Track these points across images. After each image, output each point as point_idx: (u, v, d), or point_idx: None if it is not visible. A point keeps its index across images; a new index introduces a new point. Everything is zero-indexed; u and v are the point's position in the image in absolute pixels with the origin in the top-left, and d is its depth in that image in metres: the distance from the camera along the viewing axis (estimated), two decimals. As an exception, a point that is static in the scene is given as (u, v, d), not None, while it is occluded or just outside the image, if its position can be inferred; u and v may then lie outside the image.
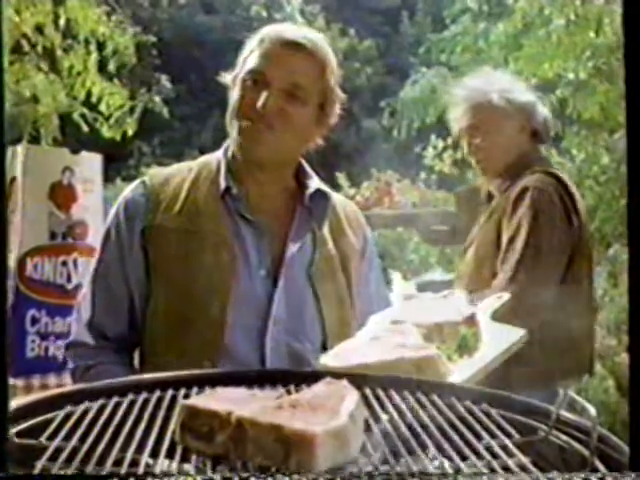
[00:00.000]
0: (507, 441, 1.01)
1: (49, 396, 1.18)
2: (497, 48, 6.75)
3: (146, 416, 1.10)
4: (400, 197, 9.26)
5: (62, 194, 2.89)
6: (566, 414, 1.06)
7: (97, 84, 5.95)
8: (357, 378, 1.22)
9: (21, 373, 2.78)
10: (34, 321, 2.88)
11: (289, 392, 1.21)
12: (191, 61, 18.57)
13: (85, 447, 0.98)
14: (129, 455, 0.97)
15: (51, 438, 1.02)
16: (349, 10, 20.55)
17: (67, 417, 1.09)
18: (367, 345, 1.49)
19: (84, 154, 2.97)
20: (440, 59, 7.57)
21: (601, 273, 5.19)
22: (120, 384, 1.24)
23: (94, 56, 5.92)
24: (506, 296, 1.82)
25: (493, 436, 1.03)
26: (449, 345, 1.53)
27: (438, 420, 1.09)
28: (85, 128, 6.04)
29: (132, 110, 6.27)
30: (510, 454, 0.97)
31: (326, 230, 1.95)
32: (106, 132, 6.14)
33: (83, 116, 6.04)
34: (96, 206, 2.98)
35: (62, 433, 1.03)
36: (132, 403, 1.15)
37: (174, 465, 0.97)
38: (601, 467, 0.92)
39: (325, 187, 1.97)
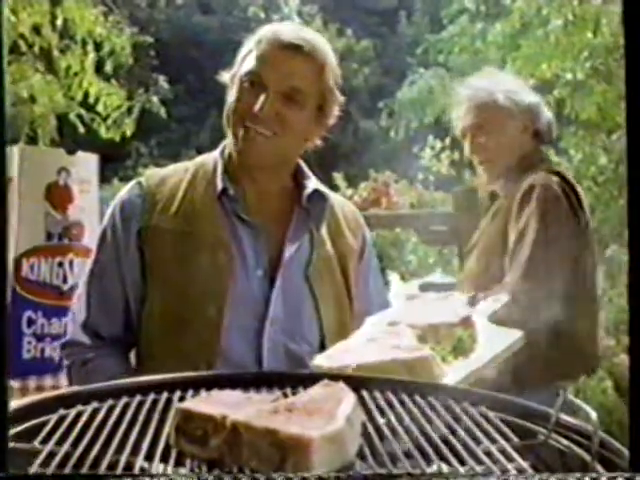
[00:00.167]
0: (506, 445, 1.00)
1: (42, 399, 1.16)
2: (495, 48, 6.75)
3: (140, 419, 1.08)
4: (398, 198, 9.23)
5: (58, 195, 2.89)
6: (566, 417, 1.05)
7: (94, 84, 5.93)
8: (354, 380, 1.21)
9: (17, 374, 2.78)
10: (30, 322, 2.88)
11: (285, 395, 1.20)
12: (189, 62, 18.55)
13: (78, 451, 0.97)
14: (123, 459, 0.95)
15: (44, 442, 1.01)
16: (346, 11, 20.52)
17: (60, 420, 1.08)
18: (362, 346, 1.48)
19: (80, 154, 2.97)
20: (438, 60, 7.57)
21: (599, 273, 5.18)
22: (114, 387, 1.22)
23: (91, 56, 5.91)
24: (504, 297, 1.81)
25: (492, 440, 1.02)
26: (444, 346, 1.52)
27: (436, 423, 1.08)
28: (82, 129, 6.02)
29: (130, 111, 6.25)
30: (509, 458, 0.96)
31: (324, 231, 1.93)
32: (105, 133, 6.12)
33: (80, 117, 6.03)
34: (92, 206, 2.98)
35: (55, 437, 1.02)
36: (126, 406, 1.14)
37: (169, 469, 0.96)
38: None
39: (323, 187, 1.96)
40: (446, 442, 1.01)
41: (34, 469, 0.93)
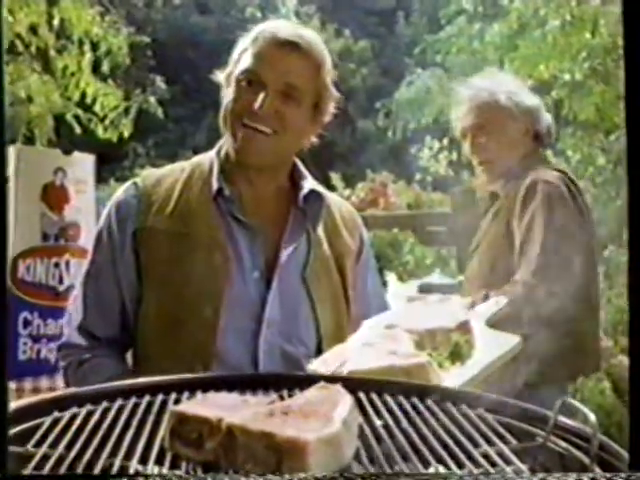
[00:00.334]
0: (504, 447, 0.99)
1: (36, 401, 1.15)
2: (492, 49, 6.74)
3: (135, 422, 1.07)
4: (395, 198, 9.25)
5: (54, 195, 2.88)
6: (565, 420, 1.04)
7: (91, 85, 5.92)
8: (351, 382, 1.20)
9: (13, 376, 2.77)
10: (26, 323, 2.87)
11: (282, 397, 1.19)
12: (186, 62, 18.55)
13: (72, 454, 0.96)
14: (117, 462, 0.95)
15: (38, 445, 1.00)
16: (344, 11, 20.53)
17: (54, 423, 1.07)
18: (358, 351, 1.47)
19: (76, 155, 2.96)
20: (435, 60, 7.56)
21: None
22: (109, 389, 1.21)
23: (88, 56, 5.89)
24: (502, 300, 1.80)
25: (490, 442, 1.01)
26: (441, 352, 1.51)
27: (433, 426, 1.07)
28: (78, 129, 6.01)
29: (127, 111, 6.24)
30: (507, 461, 0.95)
31: (321, 231, 1.92)
32: (102, 133, 6.12)
33: (77, 117, 6.01)
34: (88, 207, 2.97)
35: (49, 440, 1.01)
36: (121, 408, 1.13)
37: (164, 472, 0.95)
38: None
39: (319, 188, 1.95)
40: (444, 445, 1.00)
41: (28, 472, 0.92)
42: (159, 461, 0.96)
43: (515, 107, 2.67)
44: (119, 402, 1.16)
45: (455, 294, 2.29)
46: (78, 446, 0.99)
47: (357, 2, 21.18)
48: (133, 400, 1.17)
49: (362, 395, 1.20)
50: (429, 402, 1.17)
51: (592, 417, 0.95)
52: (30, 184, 2.83)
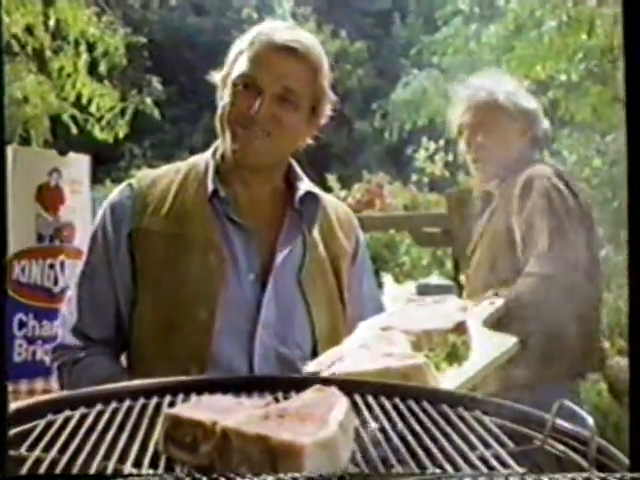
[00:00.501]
0: (501, 450, 0.99)
1: (30, 404, 1.15)
2: (489, 50, 6.74)
3: (129, 425, 1.07)
4: (391, 199, 9.23)
5: (49, 196, 2.86)
6: (563, 422, 1.04)
7: (87, 85, 5.92)
8: (347, 384, 1.19)
9: (8, 378, 2.75)
10: (21, 325, 2.85)
11: (277, 399, 1.18)
12: (182, 63, 18.52)
13: (65, 458, 0.95)
14: (111, 466, 0.94)
15: (32, 448, 0.99)
16: (340, 12, 20.51)
17: (48, 426, 1.06)
18: (354, 353, 1.46)
19: (72, 155, 2.94)
20: (432, 61, 7.57)
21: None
22: (103, 391, 1.21)
23: (84, 57, 5.89)
24: (499, 301, 1.80)
25: (487, 445, 1.00)
26: (438, 353, 1.51)
27: (430, 428, 1.07)
28: (74, 130, 6.00)
29: (123, 112, 6.24)
30: (504, 464, 0.94)
31: (316, 233, 1.92)
32: (98, 134, 6.11)
33: (73, 118, 6.01)
34: (84, 208, 2.95)
35: (42, 443, 1.00)
36: (115, 411, 1.13)
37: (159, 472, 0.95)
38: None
39: (315, 189, 1.94)
40: (440, 448, 1.00)
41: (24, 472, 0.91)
42: (153, 465, 0.95)
43: (514, 108, 2.67)
44: (113, 405, 1.15)
45: (453, 295, 2.28)
46: (71, 449, 0.98)
47: (353, 3, 21.16)
48: (127, 403, 1.16)
49: (358, 397, 1.19)
50: (425, 404, 1.16)
51: (590, 420, 0.95)
52: (25, 185, 2.82)
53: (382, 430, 1.07)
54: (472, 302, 1.87)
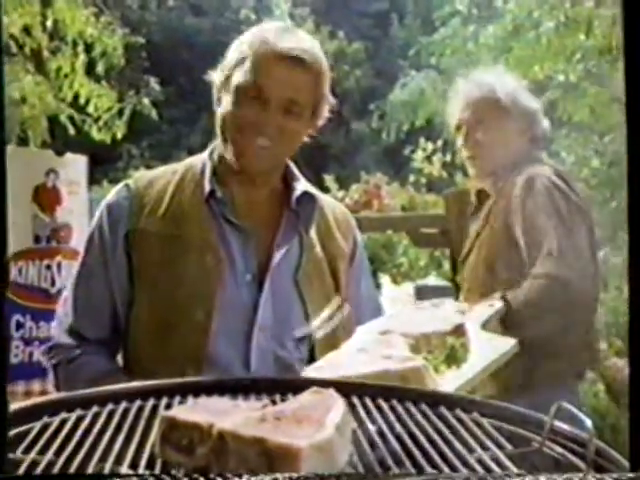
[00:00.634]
0: (499, 452, 0.98)
1: (25, 406, 1.14)
2: (487, 51, 6.73)
3: (125, 427, 1.06)
4: (389, 200, 9.23)
5: (46, 197, 2.86)
6: (561, 424, 1.03)
7: (85, 86, 5.90)
8: (345, 386, 1.19)
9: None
10: (18, 326, 2.85)
11: (274, 402, 1.17)
12: (180, 63, 18.52)
13: (61, 460, 0.95)
14: (107, 468, 0.93)
15: (27, 450, 0.99)
16: (338, 13, 20.52)
17: (44, 428, 1.06)
18: (353, 357, 1.46)
19: (69, 156, 2.94)
20: (429, 62, 7.56)
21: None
22: (99, 393, 1.20)
23: (82, 58, 5.88)
24: (498, 304, 1.80)
25: (485, 447, 1.00)
26: (436, 356, 1.50)
27: (428, 430, 1.06)
28: (72, 130, 6.00)
29: (121, 112, 6.23)
30: (503, 466, 0.94)
31: (314, 233, 1.91)
32: (96, 135, 6.10)
33: (71, 118, 6.00)
34: (81, 208, 2.95)
35: (38, 446, 0.99)
36: (111, 413, 1.12)
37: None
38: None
39: (312, 189, 1.94)
40: (439, 450, 0.99)
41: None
42: (150, 467, 0.95)
43: (514, 107, 2.66)
44: (109, 407, 1.15)
45: (451, 296, 2.28)
46: (67, 452, 0.97)
47: (351, 4, 21.17)
48: (124, 405, 1.15)
49: (356, 400, 1.19)
50: (423, 407, 1.16)
51: (588, 422, 0.94)
52: (22, 185, 2.82)
53: (380, 432, 1.06)
54: (471, 304, 1.87)
